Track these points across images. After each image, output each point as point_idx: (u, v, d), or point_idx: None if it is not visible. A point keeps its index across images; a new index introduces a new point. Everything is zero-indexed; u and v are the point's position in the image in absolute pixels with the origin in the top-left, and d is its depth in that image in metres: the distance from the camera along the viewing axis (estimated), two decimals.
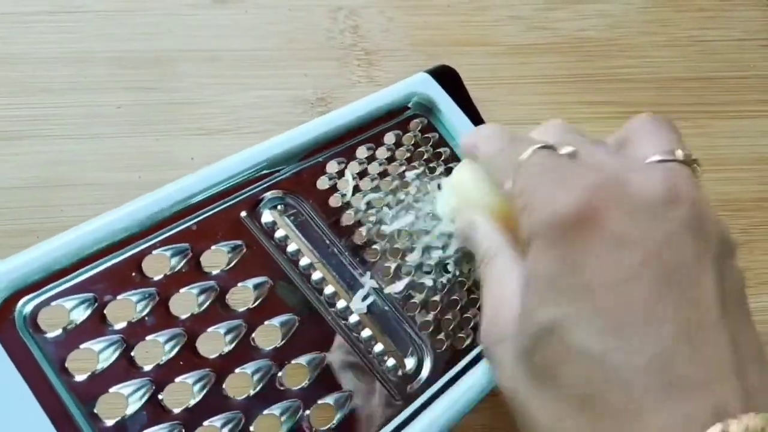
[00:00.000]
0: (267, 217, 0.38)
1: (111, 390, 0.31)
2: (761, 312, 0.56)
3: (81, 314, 0.32)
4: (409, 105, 0.45)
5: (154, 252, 0.34)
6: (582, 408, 0.26)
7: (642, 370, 0.25)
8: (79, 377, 0.31)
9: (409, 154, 0.44)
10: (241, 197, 0.38)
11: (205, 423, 0.32)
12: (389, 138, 0.44)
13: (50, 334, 0.31)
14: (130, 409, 0.31)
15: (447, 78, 0.47)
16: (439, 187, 0.41)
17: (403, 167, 0.43)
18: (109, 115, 0.56)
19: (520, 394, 0.29)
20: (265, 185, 0.39)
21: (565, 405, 0.27)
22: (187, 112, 0.57)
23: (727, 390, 0.24)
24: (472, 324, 0.40)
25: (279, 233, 0.37)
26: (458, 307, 0.40)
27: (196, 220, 0.36)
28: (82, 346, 0.31)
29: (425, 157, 0.44)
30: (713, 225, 0.28)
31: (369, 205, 0.41)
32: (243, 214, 0.37)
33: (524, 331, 0.29)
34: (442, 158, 0.45)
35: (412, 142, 0.44)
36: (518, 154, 0.31)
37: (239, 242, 0.36)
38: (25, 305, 0.31)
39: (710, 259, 0.27)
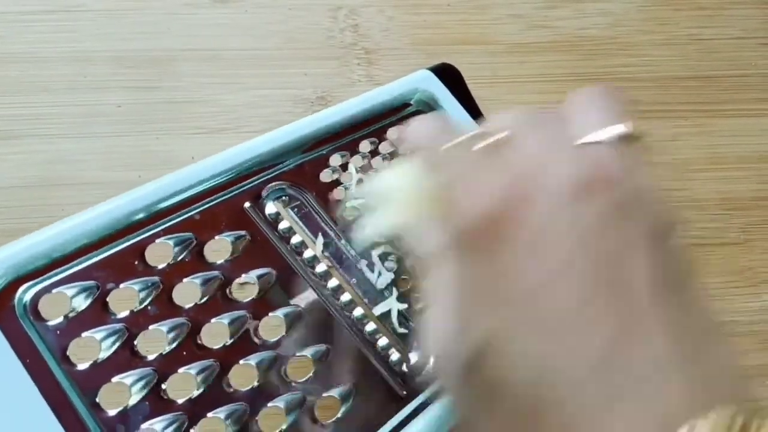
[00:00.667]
0: (270, 208, 0.37)
1: (113, 380, 0.30)
2: (762, 312, 0.56)
3: (82, 302, 0.31)
4: (411, 102, 0.45)
5: (157, 241, 0.34)
6: (531, 424, 0.24)
7: (585, 375, 0.23)
8: (81, 366, 0.30)
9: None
10: (244, 188, 0.37)
11: (209, 414, 0.32)
12: (392, 133, 0.44)
13: (51, 322, 0.30)
14: (133, 399, 0.31)
15: (448, 76, 0.47)
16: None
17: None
18: (108, 114, 0.56)
19: (470, 419, 0.27)
20: (268, 176, 0.38)
21: (514, 423, 0.24)
22: (187, 112, 0.57)
23: (674, 392, 0.22)
24: None
25: (283, 225, 0.37)
26: None
27: (199, 209, 0.36)
28: (83, 335, 0.31)
29: None
30: (645, 205, 0.26)
31: None
32: (246, 204, 0.37)
33: (461, 349, 0.26)
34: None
35: None
36: (443, 145, 0.29)
37: (243, 232, 0.36)
38: (26, 292, 0.31)
39: (642, 241, 0.25)
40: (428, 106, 0.45)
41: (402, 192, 0.32)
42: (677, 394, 0.22)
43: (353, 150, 0.42)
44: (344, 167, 0.41)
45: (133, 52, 0.58)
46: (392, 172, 0.33)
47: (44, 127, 0.55)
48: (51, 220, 0.50)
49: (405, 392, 0.36)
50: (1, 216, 0.51)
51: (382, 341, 0.37)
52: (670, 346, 0.23)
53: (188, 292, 0.34)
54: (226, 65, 0.59)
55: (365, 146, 0.42)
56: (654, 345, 0.23)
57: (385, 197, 0.33)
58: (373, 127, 0.43)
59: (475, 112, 0.46)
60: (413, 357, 0.37)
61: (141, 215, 0.34)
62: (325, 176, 0.40)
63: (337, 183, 0.40)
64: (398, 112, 0.44)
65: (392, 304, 0.38)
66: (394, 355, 0.36)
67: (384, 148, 0.43)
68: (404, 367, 0.36)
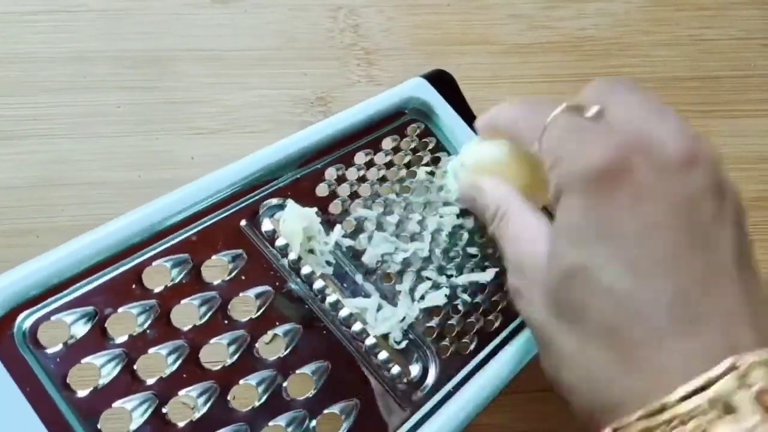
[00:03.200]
0: (267, 225, 0.38)
1: (114, 405, 0.31)
2: None
3: (82, 328, 0.32)
4: (406, 110, 0.45)
5: (154, 263, 0.34)
6: (606, 338, 0.28)
7: (663, 306, 0.27)
8: (82, 393, 0.30)
9: (407, 159, 0.44)
10: (240, 206, 0.38)
11: None
12: (387, 143, 0.44)
13: (51, 350, 0.31)
14: (134, 424, 0.31)
15: (443, 82, 0.47)
16: (437, 175, 0.43)
17: (402, 172, 0.43)
18: (108, 114, 0.56)
19: (546, 327, 0.32)
20: (264, 193, 0.39)
21: (591, 336, 0.29)
22: (187, 112, 0.57)
23: (741, 329, 0.27)
24: (475, 330, 0.40)
25: (279, 242, 0.37)
26: (461, 313, 0.40)
27: (195, 230, 0.36)
28: (83, 361, 0.31)
29: (424, 161, 0.44)
30: (730, 190, 0.30)
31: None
32: (243, 222, 0.37)
33: (552, 272, 0.31)
34: (441, 163, 0.45)
35: (411, 147, 0.44)
36: (543, 117, 0.33)
37: (240, 251, 0.36)
38: (25, 320, 0.31)
39: (728, 220, 0.29)
40: (423, 114, 0.45)
41: (488, 164, 0.39)
42: (746, 332, 0.27)
43: (348, 162, 0.42)
44: (340, 180, 0.41)
45: (133, 52, 0.58)
46: (475, 148, 0.40)
47: (44, 127, 0.55)
48: (51, 220, 0.51)
49: (407, 406, 0.36)
50: (2, 216, 0.51)
51: (382, 355, 0.37)
52: (743, 299, 0.28)
53: (187, 314, 0.34)
54: (226, 65, 0.59)
55: (360, 158, 0.42)
56: (730, 295, 0.28)
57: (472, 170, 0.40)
58: (367, 138, 0.43)
59: (470, 118, 0.46)
60: (413, 370, 0.37)
61: (137, 239, 0.34)
62: (321, 190, 0.40)
63: (333, 196, 0.40)
64: (393, 121, 0.44)
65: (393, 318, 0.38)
66: (395, 369, 0.37)
67: (379, 159, 0.43)
68: (405, 381, 0.37)
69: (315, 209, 0.39)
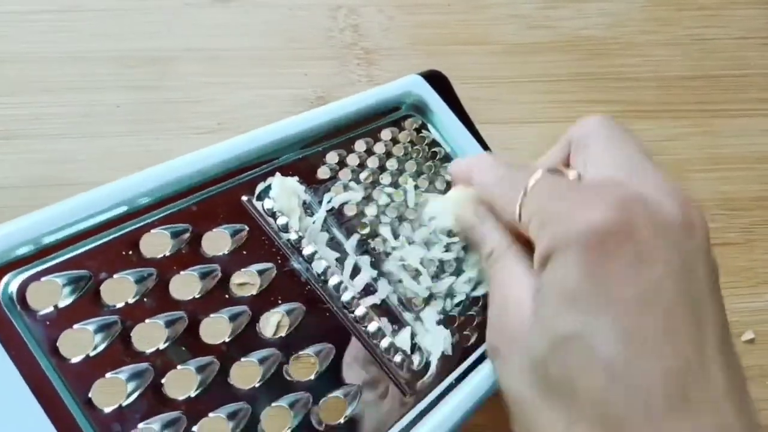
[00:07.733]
0: (269, 203, 0.37)
1: (107, 375, 0.29)
2: (762, 312, 0.56)
3: (74, 292, 0.30)
4: (402, 106, 0.45)
5: (152, 231, 0.33)
6: (596, 417, 0.26)
7: (659, 382, 0.26)
8: (73, 360, 0.29)
9: (405, 151, 0.44)
10: (241, 181, 0.37)
11: (210, 414, 0.30)
12: (386, 134, 0.44)
13: (40, 312, 0.29)
14: (129, 397, 0.29)
15: (437, 83, 0.47)
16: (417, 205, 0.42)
17: (400, 163, 0.43)
18: (108, 114, 0.56)
19: (527, 403, 0.30)
20: (266, 170, 0.38)
21: (579, 416, 0.27)
22: (187, 111, 0.57)
23: (730, 413, 0.26)
24: (475, 322, 0.39)
25: (281, 220, 0.37)
26: (461, 306, 0.39)
27: (195, 200, 0.35)
28: (75, 326, 0.29)
29: (421, 154, 0.44)
30: (714, 259, 0.29)
31: (370, 198, 0.41)
32: (244, 198, 0.37)
33: (540, 340, 0.29)
34: (438, 157, 0.45)
35: (408, 140, 0.44)
36: (522, 180, 0.32)
37: (241, 225, 0.35)
38: (12, 280, 0.29)
39: (716, 288, 0.29)
40: (419, 110, 0.45)
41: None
42: (735, 416, 0.26)
43: (348, 149, 0.42)
44: (341, 165, 0.41)
45: (133, 52, 0.58)
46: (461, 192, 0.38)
47: (44, 127, 0.55)
48: None
49: (411, 394, 0.35)
50: (1, 216, 0.51)
51: (384, 342, 0.36)
52: (731, 381, 0.27)
53: (186, 286, 0.33)
54: (226, 65, 0.59)
55: (360, 146, 0.42)
56: (720, 376, 0.27)
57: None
58: (366, 127, 0.43)
59: (464, 118, 0.46)
60: (416, 359, 0.37)
61: (135, 201, 0.33)
62: (322, 173, 0.40)
63: (333, 180, 0.40)
64: (389, 114, 0.44)
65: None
66: (397, 357, 0.36)
67: (378, 148, 0.43)
68: (408, 368, 0.36)
69: (296, 178, 0.38)
